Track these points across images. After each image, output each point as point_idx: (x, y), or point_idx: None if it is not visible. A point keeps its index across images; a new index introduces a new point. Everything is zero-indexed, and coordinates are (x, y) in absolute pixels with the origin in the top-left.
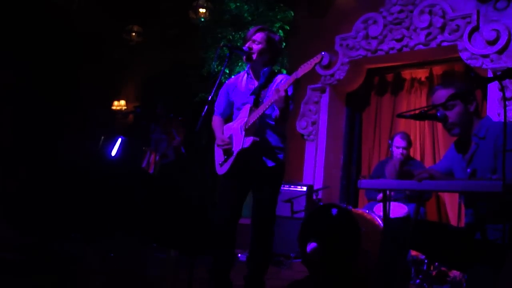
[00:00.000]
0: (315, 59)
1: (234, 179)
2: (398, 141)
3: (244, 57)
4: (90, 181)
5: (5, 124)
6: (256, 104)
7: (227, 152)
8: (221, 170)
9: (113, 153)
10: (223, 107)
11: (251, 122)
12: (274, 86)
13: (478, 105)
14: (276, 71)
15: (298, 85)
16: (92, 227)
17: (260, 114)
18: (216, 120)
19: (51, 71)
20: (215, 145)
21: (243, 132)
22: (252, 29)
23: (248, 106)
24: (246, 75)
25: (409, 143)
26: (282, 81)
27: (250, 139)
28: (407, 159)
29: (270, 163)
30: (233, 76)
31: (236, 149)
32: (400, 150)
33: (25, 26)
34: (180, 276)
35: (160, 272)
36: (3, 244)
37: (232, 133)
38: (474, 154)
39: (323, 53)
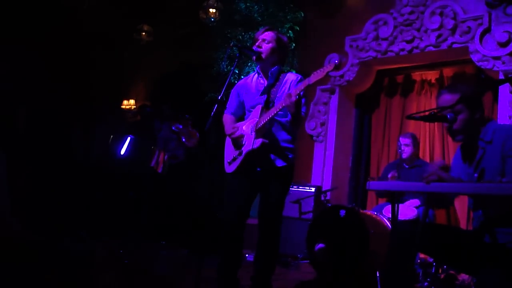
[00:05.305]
0: (329, 67)
1: (242, 178)
2: (400, 139)
3: (254, 57)
4: (99, 179)
5: (17, 124)
6: (267, 105)
7: (237, 144)
8: (229, 168)
9: (122, 152)
10: (235, 108)
11: (261, 124)
12: (283, 84)
13: (484, 111)
14: (285, 71)
15: (308, 86)
16: (101, 225)
17: (270, 116)
18: (227, 118)
19: (61, 71)
20: (225, 143)
21: (254, 133)
22: (260, 30)
23: (259, 107)
24: (256, 75)
25: (414, 142)
26: (293, 82)
27: (259, 141)
28: (412, 159)
29: (279, 163)
30: (243, 77)
31: (245, 149)
32: (402, 147)
33: (35, 26)
34: (188, 274)
35: (169, 270)
36: (13, 240)
37: (243, 132)
38: (481, 158)
39: (336, 61)
